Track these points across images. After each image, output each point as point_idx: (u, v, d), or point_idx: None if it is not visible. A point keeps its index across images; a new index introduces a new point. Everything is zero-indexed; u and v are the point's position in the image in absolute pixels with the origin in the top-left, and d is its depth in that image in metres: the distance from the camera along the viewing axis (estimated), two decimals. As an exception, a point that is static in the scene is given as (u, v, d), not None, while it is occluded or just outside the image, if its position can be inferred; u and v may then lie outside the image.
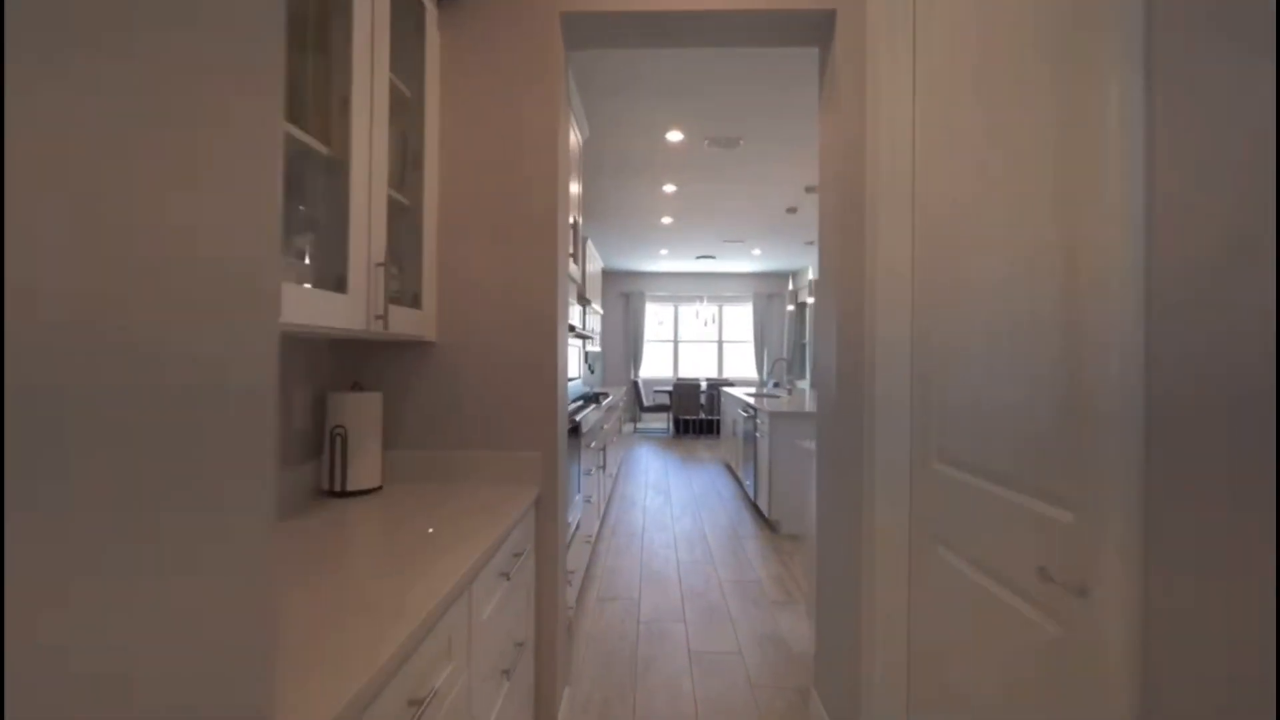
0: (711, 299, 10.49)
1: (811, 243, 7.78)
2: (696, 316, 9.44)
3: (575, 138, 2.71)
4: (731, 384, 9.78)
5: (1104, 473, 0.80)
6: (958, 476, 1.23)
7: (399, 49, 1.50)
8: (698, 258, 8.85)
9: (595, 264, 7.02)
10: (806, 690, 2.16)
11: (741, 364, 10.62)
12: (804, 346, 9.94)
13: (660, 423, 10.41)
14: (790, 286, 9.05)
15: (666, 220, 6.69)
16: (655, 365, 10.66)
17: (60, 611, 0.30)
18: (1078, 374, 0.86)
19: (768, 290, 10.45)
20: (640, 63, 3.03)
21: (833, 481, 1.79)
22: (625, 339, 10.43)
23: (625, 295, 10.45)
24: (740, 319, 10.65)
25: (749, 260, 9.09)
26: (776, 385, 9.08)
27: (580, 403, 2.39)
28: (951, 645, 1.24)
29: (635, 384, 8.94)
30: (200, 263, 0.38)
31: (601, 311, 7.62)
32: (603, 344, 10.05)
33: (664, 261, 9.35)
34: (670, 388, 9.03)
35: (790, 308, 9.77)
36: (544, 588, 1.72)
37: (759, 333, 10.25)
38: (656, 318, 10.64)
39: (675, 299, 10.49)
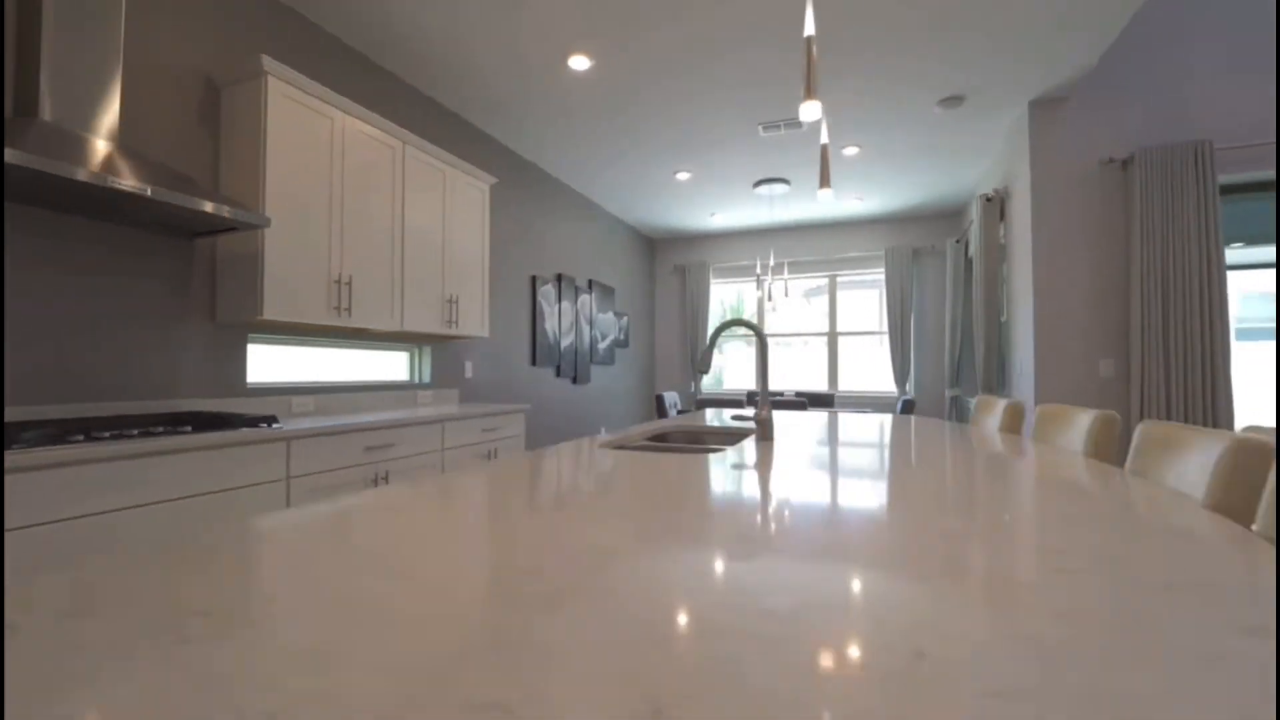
0: (813, 266, 6.56)
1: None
2: (785, 295, 5.47)
3: None
4: (826, 401, 5.82)
5: None
6: None
7: None
8: (765, 127, 4.97)
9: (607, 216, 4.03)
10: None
11: (859, 369, 6.44)
12: (971, 336, 5.47)
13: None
14: (978, 222, 4.81)
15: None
16: (728, 376, 7.08)
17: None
18: None
19: (912, 243, 6.17)
20: None
21: None
22: (682, 334, 7.09)
23: (680, 269, 7.13)
24: (857, 298, 6.50)
25: (878, 193, 5.12)
26: (956, 402, 4.93)
27: None
28: None
29: (659, 400, 5.34)
30: None
31: (584, 296, 3.99)
32: (633, 341, 6.85)
33: (729, 205, 5.85)
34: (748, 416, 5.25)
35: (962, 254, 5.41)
36: None
37: (896, 316, 6.02)
38: (723, 300, 7.09)
39: (750, 271, 6.80)
